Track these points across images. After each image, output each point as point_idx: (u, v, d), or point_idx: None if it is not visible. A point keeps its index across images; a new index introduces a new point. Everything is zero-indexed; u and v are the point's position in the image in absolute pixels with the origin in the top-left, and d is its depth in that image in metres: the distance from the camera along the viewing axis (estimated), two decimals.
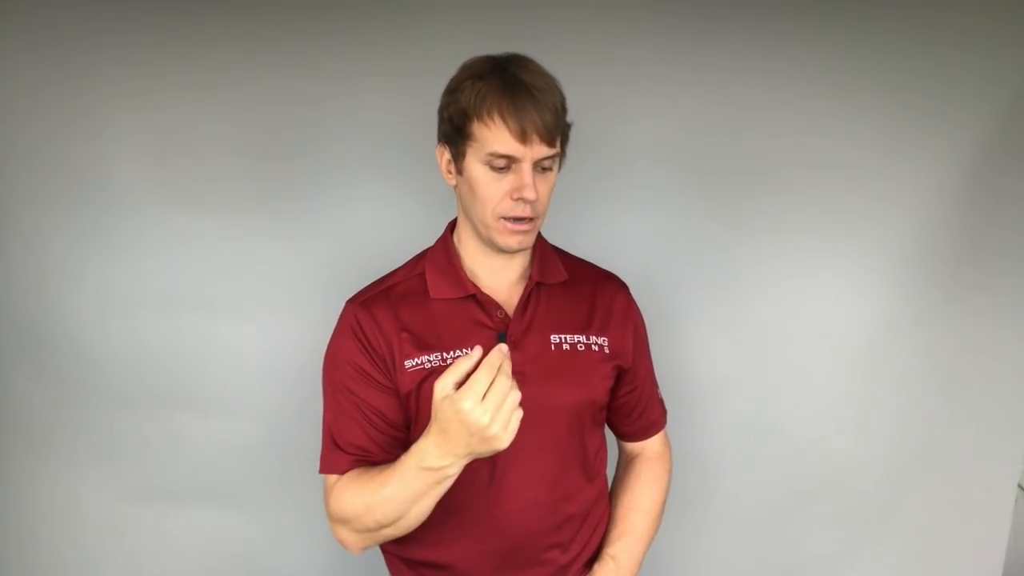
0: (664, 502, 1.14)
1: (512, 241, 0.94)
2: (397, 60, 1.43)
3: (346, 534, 0.94)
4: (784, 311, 1.58)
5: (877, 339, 1.60)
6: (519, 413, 0.78)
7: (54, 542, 1.61)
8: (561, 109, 0.92)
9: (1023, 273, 1.60)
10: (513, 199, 0.91)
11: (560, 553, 1.03)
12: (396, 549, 1.05)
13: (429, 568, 1.02)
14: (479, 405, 0.75)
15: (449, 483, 0.83)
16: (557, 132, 0.90)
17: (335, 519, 0.94)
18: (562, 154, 0.98)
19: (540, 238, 1.08)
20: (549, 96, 0.89)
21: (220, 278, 1.50)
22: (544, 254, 1.06)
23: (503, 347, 0.78)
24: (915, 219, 1.54)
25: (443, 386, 0.78)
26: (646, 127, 1.50)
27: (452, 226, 1.06)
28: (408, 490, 0.84)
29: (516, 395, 0.77)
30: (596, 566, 1.06)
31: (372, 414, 0.96)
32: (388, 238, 1.41)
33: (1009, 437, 1.69)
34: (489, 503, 0.97)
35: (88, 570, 1.61)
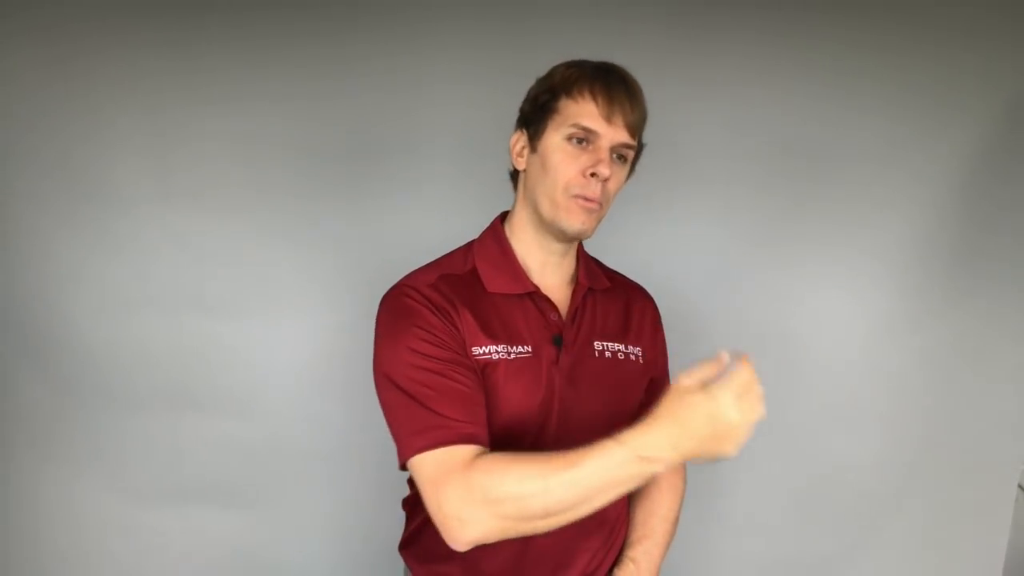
0: (680, 509, 1.15)
1: (576, 220, 0.91)
2: (400, 58, 1.43)
3: (483, 518, 0.80)
4: (785, 312, 1.58)
5: (878, 340, 1.60)
6: (751, 430, 0.76)
7: (56, 542, 1.61)
8: (645, 111, 0.93)
9: (1021, 274, 1.60)
10: (586, 175, 0.89)
11: (588, 559, 1.02)
12: (417, 543, 1.03)
13: (448, 564, 0.99)
14: (735, 404, 0.74)
15: (641, 483, 0.79)
16: (639, 127, 0.92)
17: (476, 498, 0.80)
18: (632, 165, 0.98)
19: (582, 247, 1.07)
20: (639, 92, 0.92)
21: (222, 278, 1.50)
22: (588, 261, 1.06)
23: (748, 357, 0.77)
24: (915, 221, 1.54)
25: (687, 383, 0.76)
26: (646, 130, 1.50)
27: (502, 220, 1.04)
28: (607, 476, 0.78)
29: (762, 410, 0.76)
30: (616, 570, 1.06)
31: (478, 382, 0.89)
32: (391, 238, 1.42)
33: (1009, 437, 1.69)
34: None
35: (90, 570, 1.61)
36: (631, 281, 1.13)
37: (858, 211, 1.53)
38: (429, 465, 0.84)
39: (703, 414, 0.74)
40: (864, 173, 1.52)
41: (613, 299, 1.05)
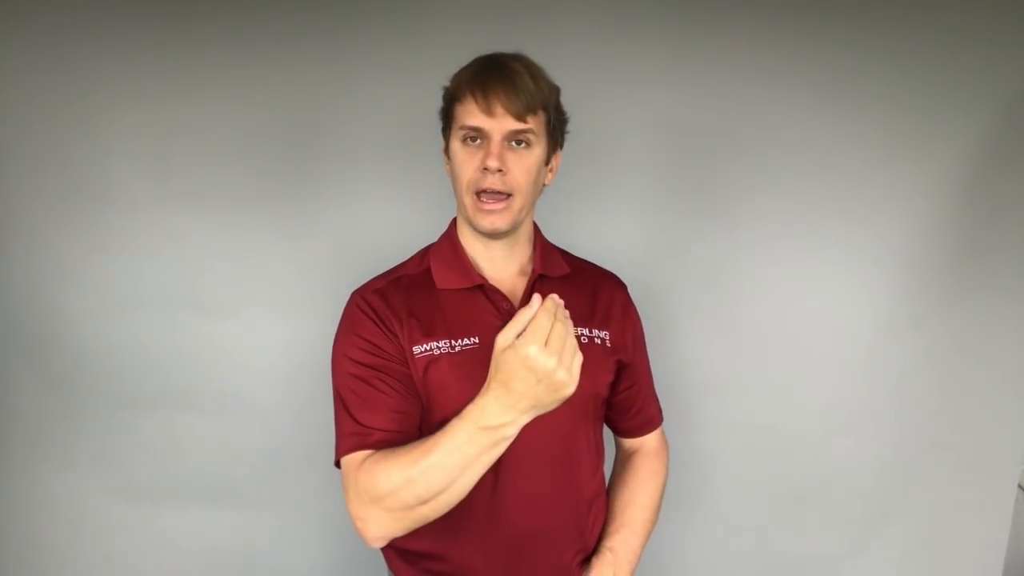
0: (661, 497, 1.15)
1: (484, 221, 0.96)
2: (397, 58, 1.44)
3: (375, 515, 0.86)
4: (783, 311, 1.58)
5: (877, 339, 1.60)
6: (580, 358, 0.77)
7: (54, 542, 1.61)
8: (534, 91, 0.93)
9: (1022, 272, 1.60)
10: (481, 170, 0.93)
11: (561, 548, 1.03)
12: (395, 540, 1.04)
13: (428, 560, 1.02)
14: (544, 351, 0.73)
15: (504, 446, 0.80)
16: (529, 110, 0.93)
17: (364, 499, 0.86)
18: (555, 141, 1.00)
19: (540, 235, 1.09)
20: (523, 77, 0.93)
21: (219, 277, 1.50)
22: (545, 249, 1.08)
23: (556, 296, 0.77)
24: (914, 219, 1.54)
25: (505, 338, 0.76)
26: (644, 126, 1.50)
27: (455, 222, 1.08)
28: (460, 455, 0.80)
29: (574, 340, 0.77)
30: (594, 559, 1.07)
31: (402, 389, 0.94)
32: (389, 237, 1.41)
33: (1009, 437, 1.69)
34: (493, 496, 0.96)
35: (87, 570, 1.61)
36: (600, 268, 1.15)
37: (859, 211, 1.53)
38: (343, 470, 0.92)
39: (520, 371, 0.75)
40: (865, 172, 1.51)
41: (576, 285, 1.07)
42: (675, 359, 1.52)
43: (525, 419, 0.79)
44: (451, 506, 0.84)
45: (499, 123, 0.92)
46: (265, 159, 1.46)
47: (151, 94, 1.41)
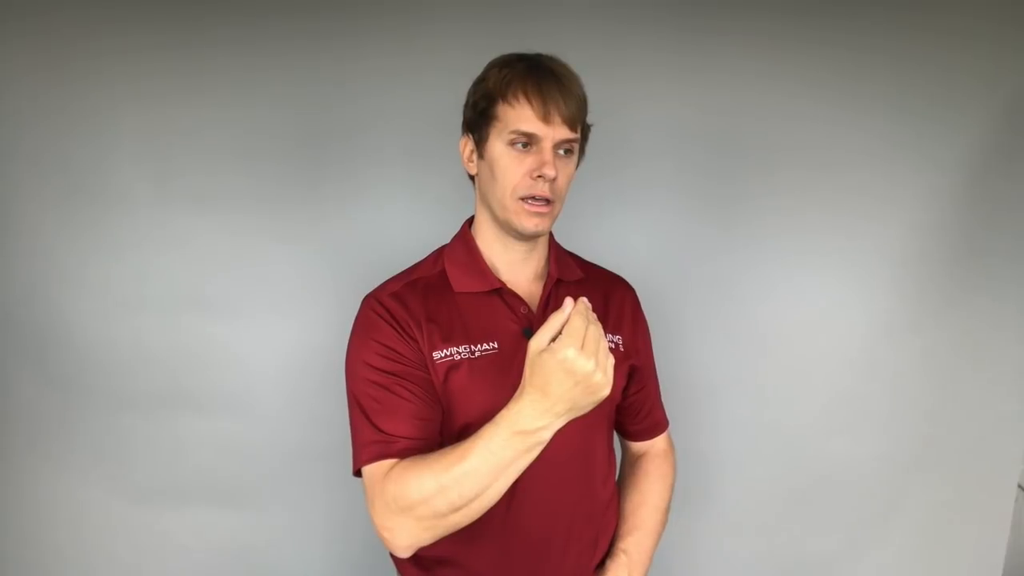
0: (671, 498, 1.15)
1: (529, 223, 0.93)
2: (400, 62, 1.44)
3: (405, 524, 0.85)
4: (784, 312, 1.58)
5: (877, 339, 1.60)
6: (612, 359, 0.78)
7: (55, 542, 1.61)
8: (583, 99, 0.93)
9: (1022, 273, 1.60)
10: (533, 177, 0.91)
11: (577, 553, 1.03)
12: None
13: (443, 566, 1.00)
14: (581, 353, 0.74)
15: (538, 451, 0.80)
16: (579, 118, 0.92)
17: (393, 508, 0.85)
18: (581, 150, 0.99)
19: (553, 240, 1.09)
20: (573, 84, 0.92)
21: (221, 278, 1.50)
22: (559, 253, 1.08)
23: (585, 300, 0.78)
24: (914, 221, 1.54)
25: (539, 342, 0.76)
26: (646, 129, 1.51)
27: (469, 223, 1.06)
28: (494, 460, 0.79)
29: (606, 342, 0.78)
30: (608, 561, 1.06)
31: (424, 395, 0.92)
32: (390, 238, 1.42)
33: (1009, 437, 1.69)
34: (511, 501, 0.94)
35: (89, 570, 1.61)
36: (610, 272, 1.15)
37: (859, 212, 1.53)
38: (366, 479, 0.90)
39: (557, 374, 0.75)
40: (865, 173, 1.52)
41: (589, 290, 1.05)
42: (678, 361, 1.52)
43: (560, 423, 0.79)
44: (482, 512, 0.83)
45: (553, 131, 0.90)
46: (267, 160, 1.46)
47: (152, 95, 1.41)
